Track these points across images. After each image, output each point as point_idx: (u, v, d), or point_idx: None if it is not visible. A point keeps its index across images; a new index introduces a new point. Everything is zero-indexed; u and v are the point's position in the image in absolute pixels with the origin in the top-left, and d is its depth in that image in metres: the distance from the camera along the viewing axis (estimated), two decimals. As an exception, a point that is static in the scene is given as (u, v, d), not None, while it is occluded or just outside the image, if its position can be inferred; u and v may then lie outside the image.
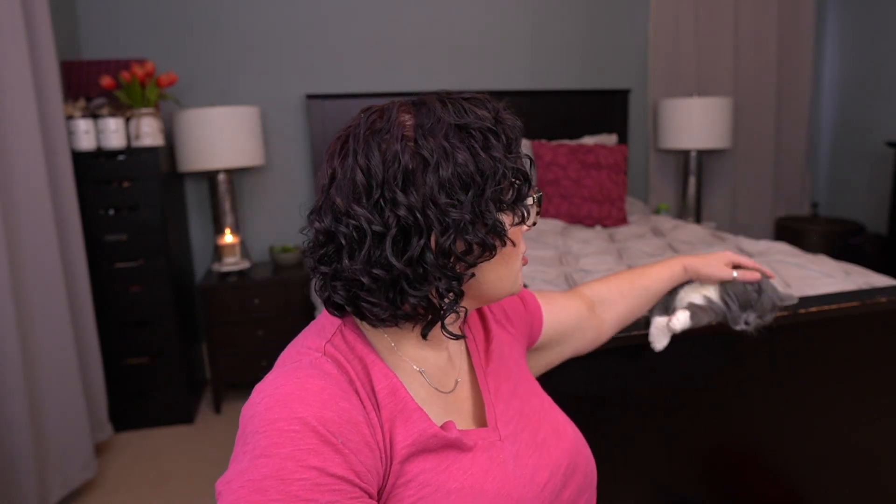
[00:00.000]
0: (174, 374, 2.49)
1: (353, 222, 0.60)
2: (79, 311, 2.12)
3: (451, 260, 0.62)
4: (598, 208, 2.81)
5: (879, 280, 1.59)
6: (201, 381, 2.86)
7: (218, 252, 2.73)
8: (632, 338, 1.15)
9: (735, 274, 1.08)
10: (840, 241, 3.31)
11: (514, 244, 0.67)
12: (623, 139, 3.31)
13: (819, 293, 1.41)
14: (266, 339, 2.63)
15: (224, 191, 2.70)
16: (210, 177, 2.71)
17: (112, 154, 2.34)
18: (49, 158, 1.98)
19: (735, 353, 1.22)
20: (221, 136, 2.51)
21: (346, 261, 0.61)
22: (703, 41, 3.39)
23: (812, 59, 3.56)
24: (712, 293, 1.11)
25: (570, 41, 3.28)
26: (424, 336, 0.67)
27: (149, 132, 2.41)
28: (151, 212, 2.39)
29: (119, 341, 2.42)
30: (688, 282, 1.15)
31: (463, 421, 0.71)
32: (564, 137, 3.16)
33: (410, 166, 0.59)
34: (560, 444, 0.75)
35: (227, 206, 2.71)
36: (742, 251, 2.00)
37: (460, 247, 0.62)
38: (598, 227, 2.79)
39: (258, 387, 0.59)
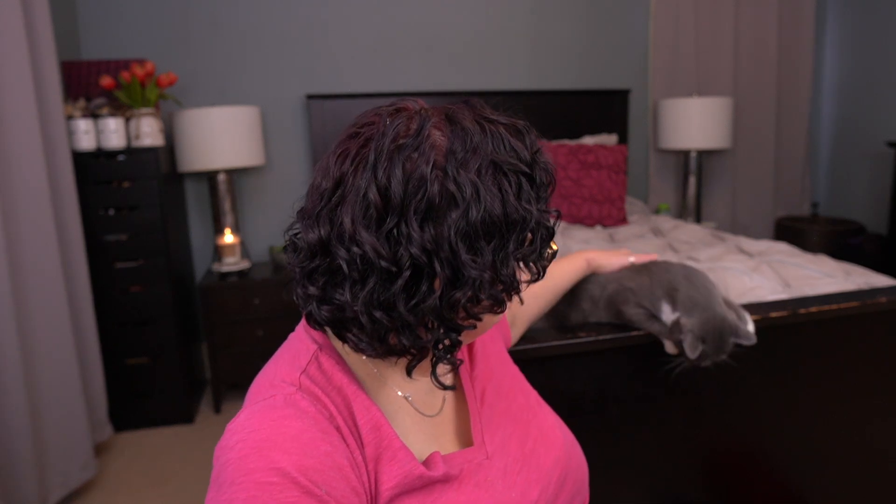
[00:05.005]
0: (174, 374, 2.49)
1: (358, 250, 0.53)
2: (79, 311, 2.12)
3: (457, 312, 0.56)
4: (598, 208, 2.81)
5: (879, 280, 1.59)
6: (201, 381, 2.86)
7: (218, 252, 2.73)
8: (631, 338, 1.15)
9: (632, 259, 1.16)
10: (840, 241, 3.31)
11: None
12: (623, 139, 3.31)
13: (819, 293, 1.41)
14: (266, 339, 2.63)
15: (224, 191, 2.70)
16: (210, 177, 2.71)
17: (112, 154, 2.34)
18: (49, 158, 1.98)
19: (735, 353, 1.22)
20: (221, 136, 2.51)
21: (346, 295, 0.54)
22: (703, 41, 3.39)
23: (812, 59, 3.56)
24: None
25: (570, 41, 3.28)
26: (409, 373, 0.61)
27: (149, 132, 2.41)
28: (151, 212, 2.39)
29: (119, 341, 2.42)
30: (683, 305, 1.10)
31: (449, 442, 0.68)
32: (564, 137, 3.16)
33: (436, 201, 0.52)
34: (549, 453, 0.72)
35: (227, 206, 2.71)
36: (742, 251, 2.00)
37: (470, 299, 0.56)
38: (599, 227, 2.79)
39: (231, 426, 0.54)
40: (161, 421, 2.51)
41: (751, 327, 1.11)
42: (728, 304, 1.14)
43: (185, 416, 2.52)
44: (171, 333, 2.47)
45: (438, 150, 0.54)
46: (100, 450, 2.30)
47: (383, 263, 0.52)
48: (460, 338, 0.59)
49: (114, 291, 2.39)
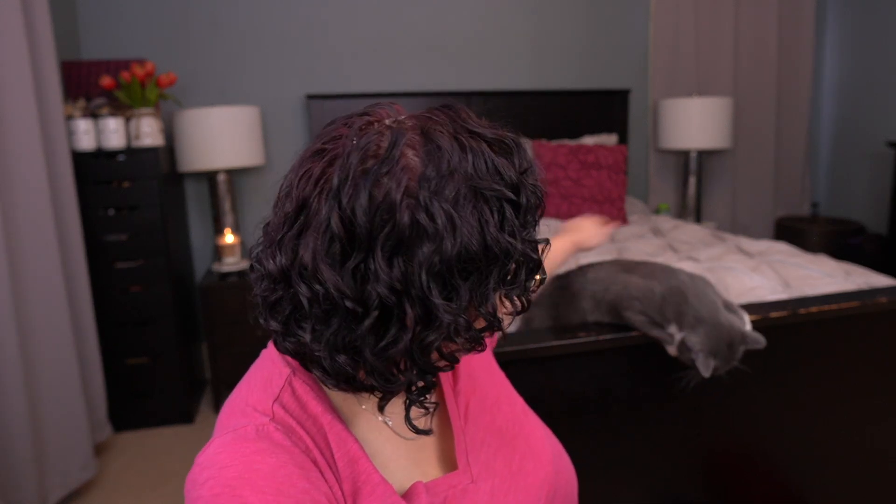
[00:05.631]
0: (174, 374, 2.49)
1: (320, 288, 0.47)
2: (78, 311, 2.12)
3: (430, 353, 0.51)
4: (598, 208, 2.81)
5: (879, 280, 1.59)
6: (201, 381, 2.86)
7: (218, 252, 2.73)
8: (631, 338, 1.15)
9: (610, 229, 1.20)
10: (840, 241, 3.31)
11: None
12: (623, 139, 3.31)
13: (819, 293, 1.41)
14: (266, 339, 2.61)
15: (224, 191, 2.70)
16: (210, 177, 2.71)
17: (112, 154, 2.34)
18: (49, 158, 1.98)
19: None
20: (221, 136, 2.51)
21: (307, 336, 0.50)
22: (703, 41, 3.39)
23: (812, 59, 3.56)
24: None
25: (570, 41, 3.28)
26: (381, 410, 0.57)
27: (149, 132, 2.41)
28: (151, 212, 2.39)
29: (119, 341, 2.42)
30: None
31: (432, 466, 0.64)
32: (564, 137, 3.16)
33: (406, 233, 0.46)
34: (538, 470, 0.68)
35: (227, 206, 2.71)
36: (742, 251, 2.00)
37: (445, 345, 0.51)
38: (598, 227, 2.79)
39: (200, 459, 0.51)
40: (161, 421, 2.51)
41: (748, 327, 1.11)
42: (728, 306, 1.14)
43: (185, 416, 2.52)
44: (171, 333, 2.47)
45: (411, 175, 0.47)
46: (100, 450, 2.30)
47: (348, 304, 0.47)
48: (435, 379, 0.55)
49: (114, 291, 2.39)
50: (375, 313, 0.47)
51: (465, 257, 0.47)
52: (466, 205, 0.47)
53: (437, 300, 0.47)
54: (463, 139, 0.50)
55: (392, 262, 0.46)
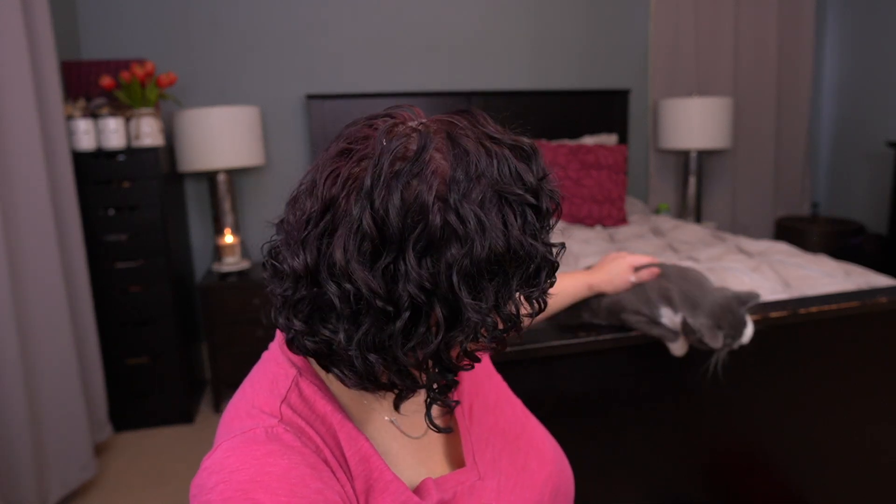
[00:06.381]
0: (174, 374, 2.49)
1: (351, 287, 0.47)
2: (78, 311, 2.12)
3: (455, 352, 0.52)
4: (598, 208, 2.81)
5: (879, 280, 1.59)
6: (201, 381, 2.86)
7: (218, 252, 2.73)
8: (631, 338, 1.15)
9: (633, 279, 1.10)
10: (840, 241, 3.31)
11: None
12: (623, 139, 3.31)
13: (819, 293, 1.41)
14: (266, 339, 2.63)
15: (224, 191, 2.70)
16: (210, 177, 2.71)
17: (112, 154, 2.34)
18: (49, 158, 1.98)
19: (735, 352, 1.22)
20: (221, 136, 2.51)
21: (340, 335, 0.49)
22: (703, 41, 3.39)
23: (812, 59, 3.56)
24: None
25: (570, 41, 3.28)
26: (396, 408, 0.57)
27: (149, 132, 2.41)
28: (151, 212, 2.39)
29: (119, 341, 2.42)
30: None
31: (438, 464, 0.65)
32: (564, 137, 3.16)
33: (437, 235, 0.47)
34: (542, 468, 0.70)
35: (227, 206, 2.71)
36: (742, 251, 2.00)
37: (469, 344, 0.52)
38: (599, 227, 2.79)
39: (208, 463, 0.50)
40: (161, 421, 2.51)
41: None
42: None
43: (185, 416, 2.52)
44: (171, 333, 2.47)
45: (440, 175, 0.48)
46: (100, 450, 2.30)
47: (379, 303, 0.47)
48: (457, 378, 0.56)
49: (114, 291, 2.39)
50: (407, 313, 0.48)
51: (492, 259, 0.48)
52: (492, 208, 0.49)
53: (467, 300, 0.48)
54: (487, 144, 0.51)
55: (422, 262, 0.47)
